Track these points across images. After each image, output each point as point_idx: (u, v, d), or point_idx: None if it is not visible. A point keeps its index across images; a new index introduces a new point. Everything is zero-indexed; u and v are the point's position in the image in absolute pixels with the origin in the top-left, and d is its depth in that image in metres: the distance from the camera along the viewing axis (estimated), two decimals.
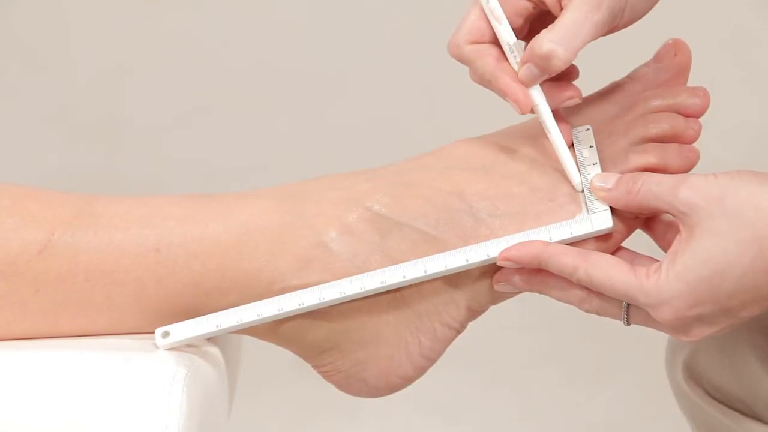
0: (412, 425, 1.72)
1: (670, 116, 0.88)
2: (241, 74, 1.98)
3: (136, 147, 1.96)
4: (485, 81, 0.86)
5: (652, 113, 0.89)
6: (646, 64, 0.91)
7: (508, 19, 0.85)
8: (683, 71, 0.90)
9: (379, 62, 1.98)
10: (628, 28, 0.87)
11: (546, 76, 0.85)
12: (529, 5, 0.86)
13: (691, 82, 0.91)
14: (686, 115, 0.89)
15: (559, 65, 0.84)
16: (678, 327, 0.82)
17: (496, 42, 0.86)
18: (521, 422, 1.72)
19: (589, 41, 0.84)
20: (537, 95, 0.86)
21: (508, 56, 0.86)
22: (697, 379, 1.00)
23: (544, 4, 0.86)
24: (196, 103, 1.98)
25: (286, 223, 0.89)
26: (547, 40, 0.83)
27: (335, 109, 1.98)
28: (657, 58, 0.91)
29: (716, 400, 0.99)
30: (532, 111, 0.87)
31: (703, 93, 0.89)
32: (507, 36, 0.85)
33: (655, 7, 0.87)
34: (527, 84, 0.85)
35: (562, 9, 0.85)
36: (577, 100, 0.88)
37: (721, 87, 1.47)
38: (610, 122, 0.90)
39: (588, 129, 0.90)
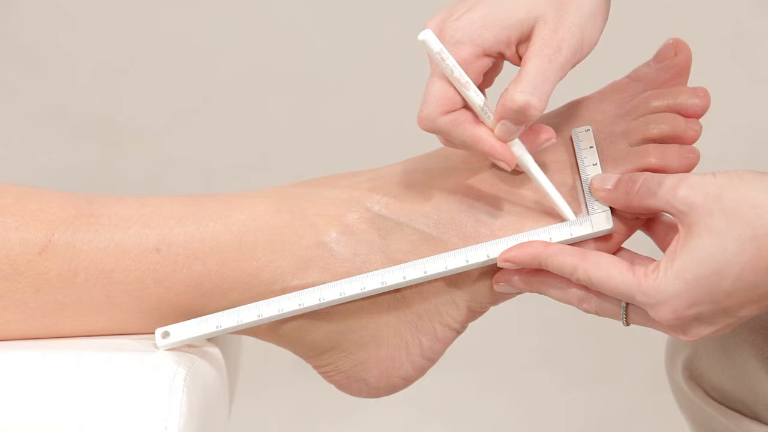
0: (412, 425, 1.72)
1: (670, 117, 0.88)
2: (240, 74, 1.98)
3: (135, 146, 1.96)
4: (465, 147, 0.86)
5: (652, 113, 0.89)
6: (647, 64, 0.91)
7: (472, 81, 0.85)
8: (683, 71, 0.90)
9: (379, 62, 1.98)
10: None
11: (523, 129, 0.85)
12: (488, 61, 0.85)
13: (692, 82, 0.91)
14: (686, 116, 0.89)
15: (535, 114, 0.83)
16: (677, 326, 0.82)
17: (466, 106, 0.85)
18: (520, 422, 1.72)
19: (557, 83, 0.84)
20: (517, 148, 0.86)
21: (482, 117, 0.85)
22: (697, 380, 1.00)
23: (503, 56, 0.85)
24: (196, 103, 1.98)
25: (287, 223, 0.89)
26: (518, 92, 0.82)
27: (335, 109, 1.98)
28: (657, 57, 0.91)
29: (716, 400, 0.99)
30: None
31: (703, 93, 0.89)
32: (477, 99, 0.84)
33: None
34: (505, 140, 0.85)
35: (521, 58, 0.85)
36: (553, 141, 0.88)
37: (722, 87, 1.47)
38: (610, 123, 0.90)
39: (588, 129, 0.90)
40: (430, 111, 0.84)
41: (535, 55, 0.83)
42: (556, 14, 0.83)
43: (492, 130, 0.85)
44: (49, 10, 2.01)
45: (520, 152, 0.86)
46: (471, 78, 0.84)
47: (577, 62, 0.85)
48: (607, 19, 0.86)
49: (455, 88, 0.84)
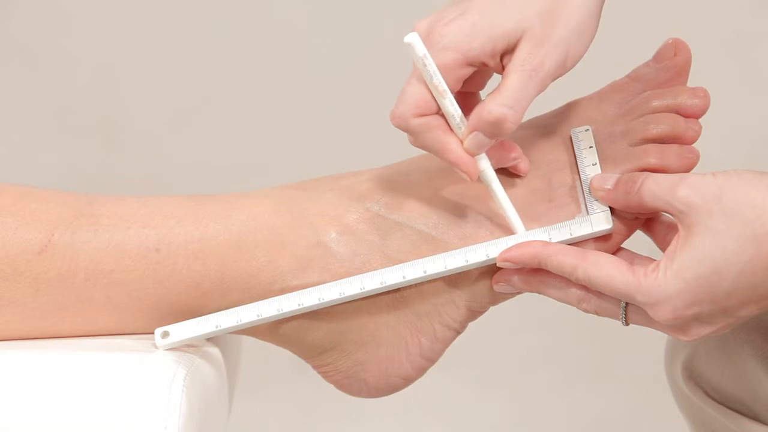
0: (412, 425, 1.72)
1: (670, 117, 0.88)
2: (241, 74, 1.98)
3: (136, 147, 1.96)
4: (432, 152, 0.86)
5: (652, 114, 0.89)
6: (646, 64, 0.91)
7: (450, 88, 0.85)
8: (683, 71, 0.90)
9: (379, 62, 1.98)
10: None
11: (494, 142, 0.85)
12: (470, 70, 0.85)
13: (692, 82, 0.91)
14: (686, 116, 0.89)
15: (510, 128, 0.83)
16: (676, 326, 0.82)
17: (440, 112, 0.85)
18: (520, 422, 1.72)
19: (535, 98, 0.84)
20: (483, 162, 0.86)
21: (453, 128, 0.85)
22: (696, 380, 1.00)
23: (486, 65, 0.85)
24: (196, 103, 1.98)
25: (287, 223, 0.89)
26: (495, 105, 0.83)
27: (335, 109, 1.98)
28: (657, 57, 0.91)
29: (715, 400, 0.99)
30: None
31: (703, 93, 0.89)
32: (452, 109, 0.84)
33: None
34: (474, 153, 0.85)
35: (504, 67, 0.85)
36: (519, 161, 0.88)
37: (722, 87, 1.47)
38: (609, 123, 0.90)
39: (588, 129, 0.90)
40: (403, 110, 0.85)
41: (516, 69, 0.83)
42: (543, 29, 0.83)
43: (462, 141, 0.85)
44: (49, 10, 2.01)
45: (485, 166, 0.86)
46: (449, 84, 0.84)
47: (559, 77, 0.85)
48: (596, 31, 0.86)
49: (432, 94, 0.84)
